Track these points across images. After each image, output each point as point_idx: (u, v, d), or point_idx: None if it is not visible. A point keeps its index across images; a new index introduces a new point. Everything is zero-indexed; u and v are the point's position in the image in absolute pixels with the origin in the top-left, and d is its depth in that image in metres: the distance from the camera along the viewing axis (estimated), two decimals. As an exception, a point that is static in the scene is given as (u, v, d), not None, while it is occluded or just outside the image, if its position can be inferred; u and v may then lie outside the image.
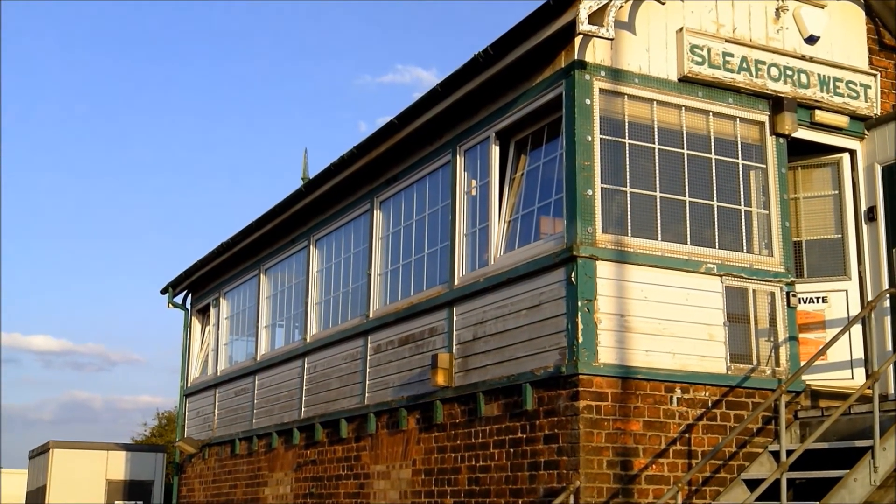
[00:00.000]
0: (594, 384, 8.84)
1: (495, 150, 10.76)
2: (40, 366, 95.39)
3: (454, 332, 10.91)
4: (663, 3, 9.75)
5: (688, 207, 9.74)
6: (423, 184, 12.22)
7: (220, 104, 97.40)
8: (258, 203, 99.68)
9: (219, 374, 18.56)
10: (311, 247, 15.13)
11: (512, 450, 9.65)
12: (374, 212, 13.22)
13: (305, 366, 14.69)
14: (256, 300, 17.12)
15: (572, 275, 9.04)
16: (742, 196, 10.04)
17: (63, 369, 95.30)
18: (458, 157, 11.38)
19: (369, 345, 12.83)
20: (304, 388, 14.60)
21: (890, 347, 10.02)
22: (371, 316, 12.90)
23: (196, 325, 20.53)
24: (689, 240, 9.65)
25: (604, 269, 9.12)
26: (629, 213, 9.49)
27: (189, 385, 20.20)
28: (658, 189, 9.64)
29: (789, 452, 8.27)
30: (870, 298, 10.22)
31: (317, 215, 14.92)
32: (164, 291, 20.70)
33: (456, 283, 11.03)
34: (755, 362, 9.62)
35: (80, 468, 26.70)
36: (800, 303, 10.19)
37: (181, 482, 20.17)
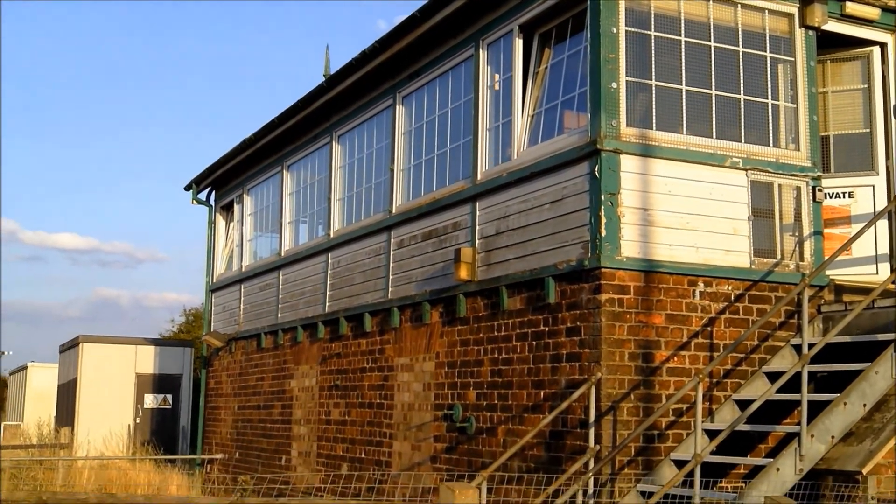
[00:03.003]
0: (617, 277, 8.87)
1: (518, 44, 10.61)
2: (67, 264, 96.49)
3: (477, 227, 10.93)
4: None
5: (714, 101, 9.62)
6: (446, 78, 12.10)
7: (244, 5, 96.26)
8: (282, 103, 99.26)
9: (244, 269, 18.72)
10: (334, 143, 15.09)
11: (534, 342, 9.74)
12: (397, 107, 13.14)
13: (329, 261, 14.79)
14: (280, 196, 17.17)
15: (596, 168, 8.99)
16: (769, 90, 9.90)
17: (90, 267, 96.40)
18: (480, 51, 11.24)
19: (392, 240, 12.88)
20: (329, 282, 14.73)
21: (915, 242, 9.97)
22: (394, 211, 12.92)
23: (220, 221, 20.64)
24: (714, 134, 9.56)
25: (628, 163, 9.07)
26: (654, 106, 9.39)
27: (215, 281, 20.41)
28: (684, 82, 9.52)
29: (811, 346, 8.32)
30: (896, 193, 10.14)
31: (339, 111, 14.84)
32: (187, 188, 20.76)
33: (479, 177, 11.00)
34: (779, 257, 9.60)
35: (109, 362, 27.12)
36: (826, 198, 10.11)
37: (209, 375, 20.53)
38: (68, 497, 4.26)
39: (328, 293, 14.69)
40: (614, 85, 9.11)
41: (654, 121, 9.33)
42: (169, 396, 27.65)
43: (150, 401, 27.45)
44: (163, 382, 27.72)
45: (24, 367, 41.86)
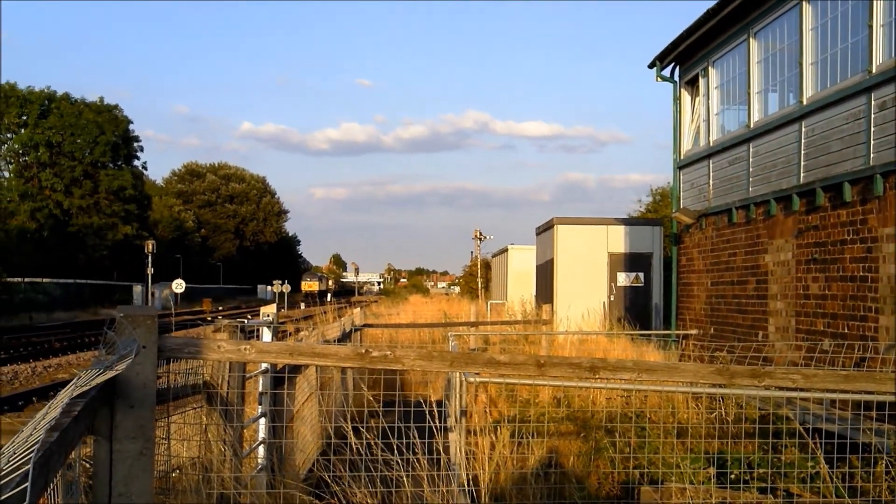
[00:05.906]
0: None
1: None
2: (534, 150, 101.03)
3: (974, 80, 9.84)
4: None
5: None
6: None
7: None
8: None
9: (711, 144, 18.42)
10: (804, 3, 14.22)
11: None
12: (875, -44, 12.07)
13: (802, 129, 14.11)
14: (746, 66, 16.57)
15: None
16: None
17: (556, 153, 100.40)
18: None
19: (873, 102, 11.99)
20: (802, 152, 14.07)
21: None
22: (874, 71, 11.98)
23: (685, 96, 20.37)
24: None
25: None
26: None
27: (682, 157, 20.29)
28: None
29: None
30: None
31: (808, -32, 13.94)
32: (651, 65, 20.68)
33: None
34: None
35: (582, 242, 28.16)
36: None
37: (680, 252, 20.59)
38: (562, 360, 4.51)
39: (802, 163, 14.06)
40: None
41: None
42: (640, 274, 28.22)
43: (622, 279, 28.22)
44: (634, 261, 28.33)
45: (505, 250, 44.72)
